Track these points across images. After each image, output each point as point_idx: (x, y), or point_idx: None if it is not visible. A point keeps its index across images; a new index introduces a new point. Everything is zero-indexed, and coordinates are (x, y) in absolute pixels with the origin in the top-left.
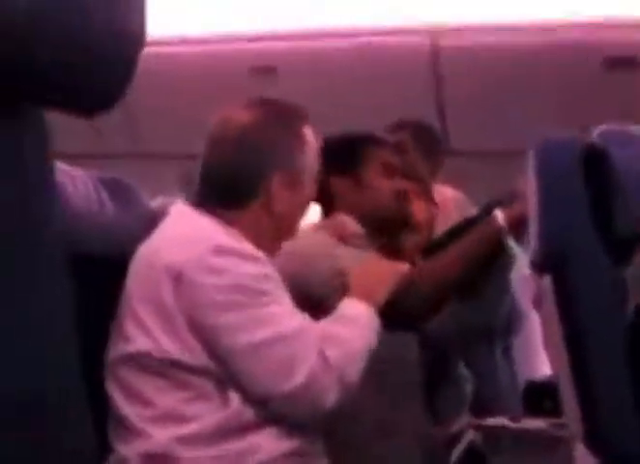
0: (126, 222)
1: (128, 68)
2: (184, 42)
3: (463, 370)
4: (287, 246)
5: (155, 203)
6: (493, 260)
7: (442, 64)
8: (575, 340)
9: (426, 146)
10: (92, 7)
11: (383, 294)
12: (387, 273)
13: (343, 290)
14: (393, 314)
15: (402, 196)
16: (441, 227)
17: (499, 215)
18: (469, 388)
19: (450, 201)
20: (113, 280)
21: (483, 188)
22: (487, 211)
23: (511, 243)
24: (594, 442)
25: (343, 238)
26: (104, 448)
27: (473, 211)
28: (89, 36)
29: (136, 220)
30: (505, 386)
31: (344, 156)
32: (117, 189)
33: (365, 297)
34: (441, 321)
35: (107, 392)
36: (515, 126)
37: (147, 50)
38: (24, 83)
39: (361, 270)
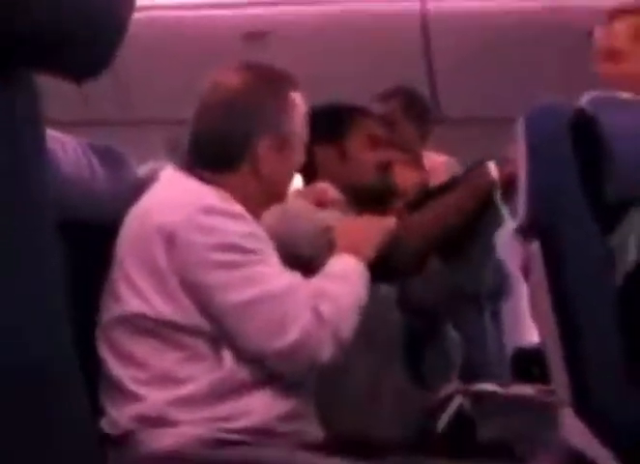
0: (116, 188)
1: (118, 32)
2: (177, 6)
3: (452, 333)
4: (273, 208)
5: (144, 169)
6: (482, 215)
7: (431, 29)
8: (563, 306)
9: (416, 114)
10: None
11: (370, 249)
12: (373, 228)
13: (330, 247)
14: (381, 268)
15: (385, 167)
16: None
17: (491, 167)
18: (458, 352)
19: (440, 164)
20: (104, 245)
21: (474, 156)
22: (477, 166)
23: (501, 201)
24: (582, 407)
25: (323, 204)
26: (96, 410)
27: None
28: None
29: (127, 186)
30: (493, 351)
31: (330, 126)
32: (107, 156)
33: (353, 252)
34: (426, 282)
35: (100, 355)
36: (506, 92)
37: (139, 15)
38: (19, 46)
39: (347, 226)
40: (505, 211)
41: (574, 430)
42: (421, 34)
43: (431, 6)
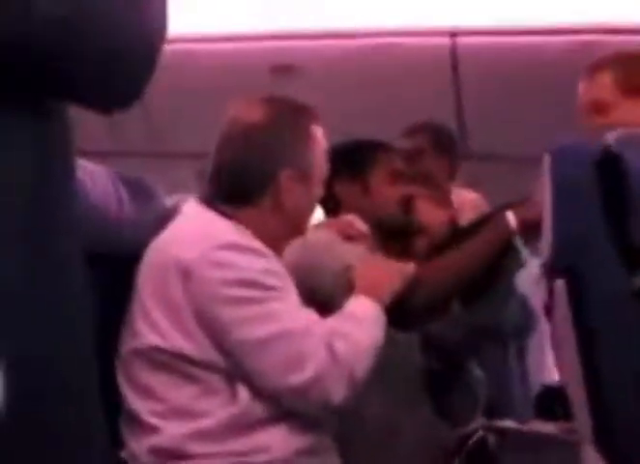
0: (144, 221)
1: (149, 65)
2: (204, 39)
3: (477, 372)
4: (294, 242)
5: (170, 201)
6: (500, 261)
7: (461, 65)
8: (588, 345)
9: (445, 149)
10: (121, 6)
11: (389, 292)
12: (393, 271)
13: (350, 287)
14: (398, 312)
15: (407, 203)
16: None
17: (510, 216)
18: (483, 390)
19: (466, 203)
20: (126, 279)
21: (501, 192)
22: (499, 211)
23: (521, 245)
24: (605, 448)
25: (349, 237)
26: (118, 444)
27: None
28: (116, 34)
29: (153, 218)
30: (518, 390)
31: (352, 161)
32: (137, 187)
33: (372, 294)
34: (446, 324)
35: (119, 388)
36: (534, 129)
37: (167, 47)
38: (50, 76)
39: (367, 267)
40: (525, 251)
41: None
42: (450, 69)
43: (461, 41)
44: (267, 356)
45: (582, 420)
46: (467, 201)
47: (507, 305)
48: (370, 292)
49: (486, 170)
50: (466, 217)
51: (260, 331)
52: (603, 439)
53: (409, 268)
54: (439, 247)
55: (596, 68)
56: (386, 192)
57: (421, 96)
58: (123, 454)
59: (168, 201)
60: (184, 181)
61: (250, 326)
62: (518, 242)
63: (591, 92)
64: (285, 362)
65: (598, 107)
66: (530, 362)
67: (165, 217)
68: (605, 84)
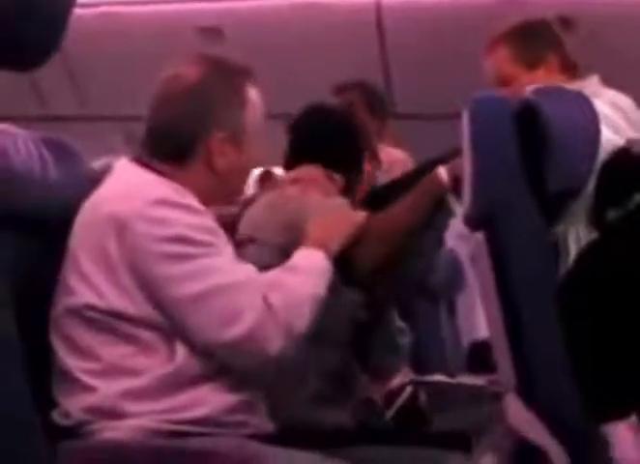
0: (69, 180)
1: (62, 20)
2: (129, 2)
3: (399, 323)
4: None
5: (99, 163)
6: (434, 216)
7: (386, 22)
8: (508, 297)
9: (373, 107)
10: None
11: (339, 242)
12: (344, 222)
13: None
14: (346, 265)
15: None
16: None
17: (442, 171)
18: (406, 341)
19: (396, 163)
20: (54, 239)
21: (428, 151)
22: (429, 167)
23: (453, 201)
24: (527, 396)
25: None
26: (50, 402)
27: None
28: None
29: (80, 178)
30: (449, 345)
31: None
32: (61, 150)
33: (321, 244)
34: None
35: (52, 347)
36: (461, 87)
37: (92, 11)
38: None
39: (319, 219)
40: (456, 204)
41: (519, 417)
42: (376, 28)
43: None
44: (202, 311)
45: (505, 370)
46: (396, 160)
47: (436, 260)
48: (320, 242)
49: (413, 129)
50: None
51: (195, 287)
52: (525, 388)
53: (360, 218)
54: (376, 198)
55: (495, 41)
56: None
57: (349, 55)
58: (55, 414)
59: (97, 163)
60: (112, 145)
61: (185, 282)
62: (450, 197)
63: (492, 65)
64: (221, 317)
65: (501, 80)
66: (461, 317)
67: (95, 178)
68: (504, 57)
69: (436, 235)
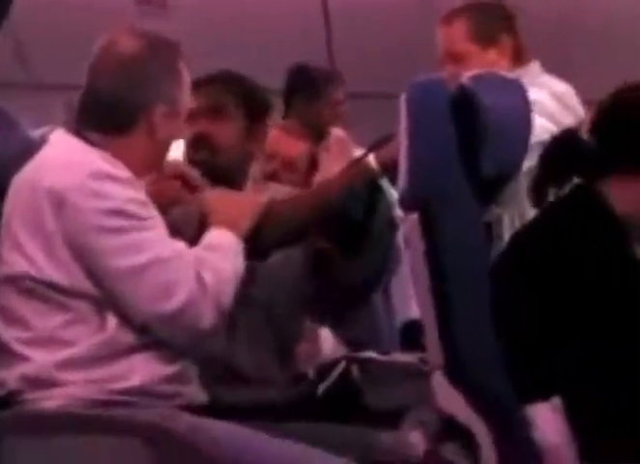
0: (5, 149)
1: None
2: None
3: None
4: None
5: (39, 132)
6: (372, 212)
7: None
8: (439, 277)
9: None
10: None
11: (245, 224)
12: (246, 205)
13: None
14: (251, 245)
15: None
16: (326, 167)
17: (370, 156)
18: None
19: (337, 144)
20: None
21: (369, 131)
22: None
23: (387, 185)
24: (455, 376)
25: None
26: None
27: (358, 152)
28: None
29: (17, 147)
30: (383, 323)
31: None
32: None
33: (229, 227)
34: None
35: None
36: (404, 66)
37: None
38: None
39: (220, 200)
40: (391, 190)
41: (446, 395)
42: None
43: None
44: (139, 284)
45: (433, 349)
46: (337, 141)
47: (384, 258)
48: (227, 224)
49: (354, 108)
50: (334, 155)
51: (131, 260)
52: (452, 367)
53: (260, 202)
54: None
55: (449, 17)
56: None
57: (293, 33)
58: None
59: (36, 132)
60: (55, 113)
61: (122, 255)
62: (383, 181)
63: (446, 42)
64: (156, 290)
65: (453, 57)
66: (395, 296)
67: (32, 148)
68: (459, 34)
69: (379, 237)
